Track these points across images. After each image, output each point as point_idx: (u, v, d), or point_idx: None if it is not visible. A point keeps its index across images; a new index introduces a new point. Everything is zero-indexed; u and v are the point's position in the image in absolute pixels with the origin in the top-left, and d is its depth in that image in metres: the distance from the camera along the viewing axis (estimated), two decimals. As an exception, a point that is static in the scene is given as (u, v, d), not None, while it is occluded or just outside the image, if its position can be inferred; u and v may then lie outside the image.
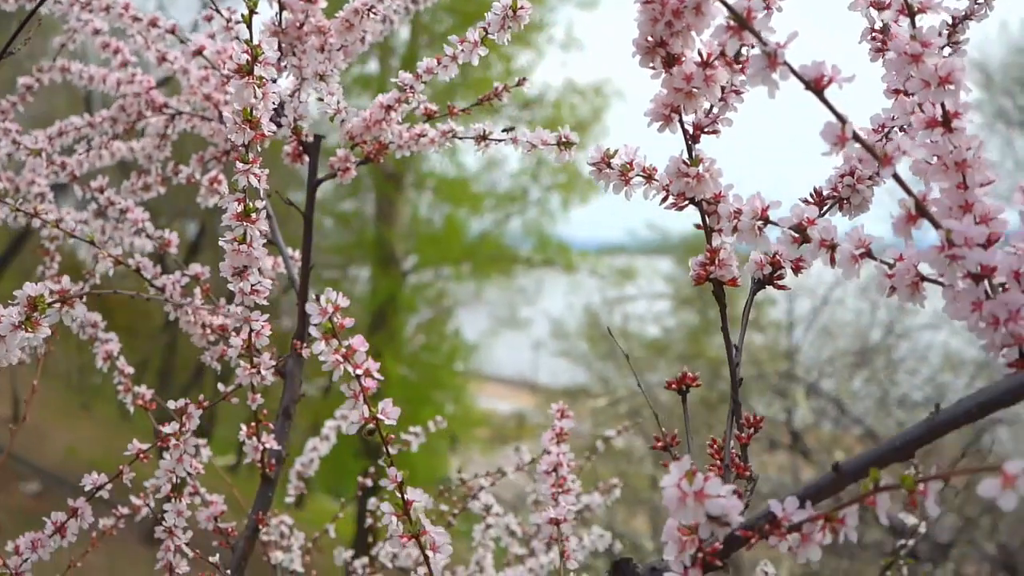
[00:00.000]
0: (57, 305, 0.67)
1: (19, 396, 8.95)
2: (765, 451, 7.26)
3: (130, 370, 1.11)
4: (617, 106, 11.26)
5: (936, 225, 0.51)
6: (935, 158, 0.55)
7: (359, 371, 0.62)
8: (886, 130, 0.68)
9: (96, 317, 1.14)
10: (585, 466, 1.81)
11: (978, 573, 5.96)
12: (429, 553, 0.65)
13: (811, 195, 0.69)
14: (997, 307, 0.50)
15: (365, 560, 1.39)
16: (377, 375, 0.63)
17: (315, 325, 0.61)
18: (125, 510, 1.13)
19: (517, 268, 12.38)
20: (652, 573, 0.58)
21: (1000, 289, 0.53)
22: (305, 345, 0.97)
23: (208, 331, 1.03)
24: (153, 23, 1.11)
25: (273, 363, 0.91)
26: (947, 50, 0.72)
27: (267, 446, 0.97)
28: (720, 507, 0.50)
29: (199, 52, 1.08)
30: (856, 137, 0.50)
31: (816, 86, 0.51)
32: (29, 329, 0.67)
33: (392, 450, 1.41)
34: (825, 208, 0.69)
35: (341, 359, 0.62)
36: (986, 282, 0.52)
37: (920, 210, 0.52)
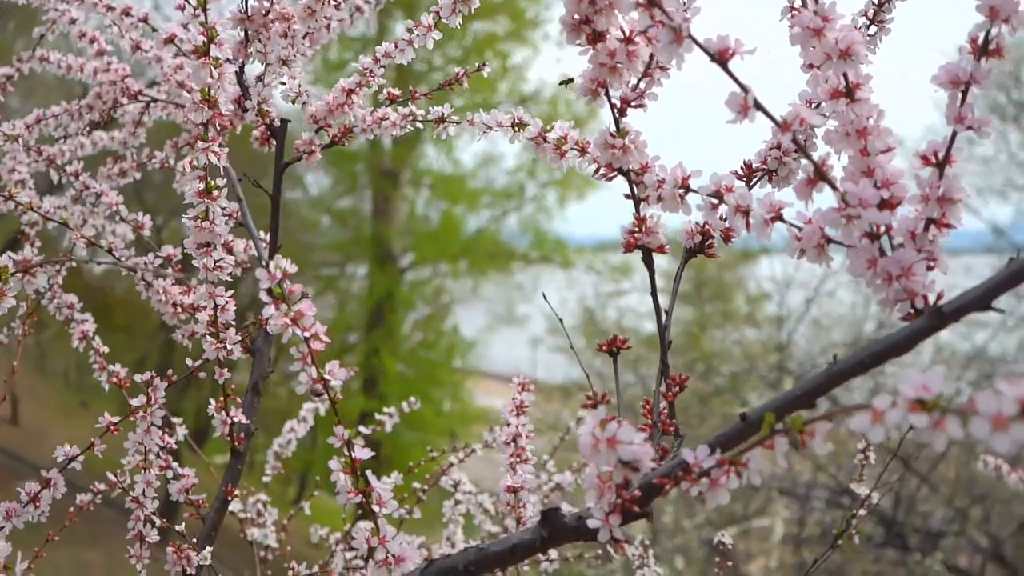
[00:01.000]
0: (19, 275, 0.70)
1: (18, 397, 8.98)
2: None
3: (105, 349, 1.14)
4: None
5: (834, 188, 0.55)
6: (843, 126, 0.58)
7: (307, 334, 0.66)
8: (812, 105, 0.72)
9: (72, 299, 1.17)
10: (560, 447, 1.84)
11: (970, 564, 6.01)
12: (375, 507, 0.68)
13: (741, 168, 0.72)
14: (891, 264, 0.54)
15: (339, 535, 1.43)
16: (325, 338, 0.66)
17: (264, 290, 0.64)
18: (102, 486, 1.16)
19: (514, 265, 12.44)
20: (578, 521, 0.61)
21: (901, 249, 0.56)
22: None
23: (179, 310, 1.06)
24: (126, 12, 1.14)
25: (239, 338, 0.94)
26: (872, 28, 0.76)
27: (235, 420, 1.00)
28: (631, 452, 0.53)
29: (170, 40, 1.11)
30: (757, 105, 0.54)
31: (721, 58, 0.54)
32: (-5, 298, 0.71)
33: (369, 434, 1.41)
34: (754, 180, 0.72)
35: (290, 322, 0.65)
36: (885, 241, 0.56)
37: (819, 174, 0.55)
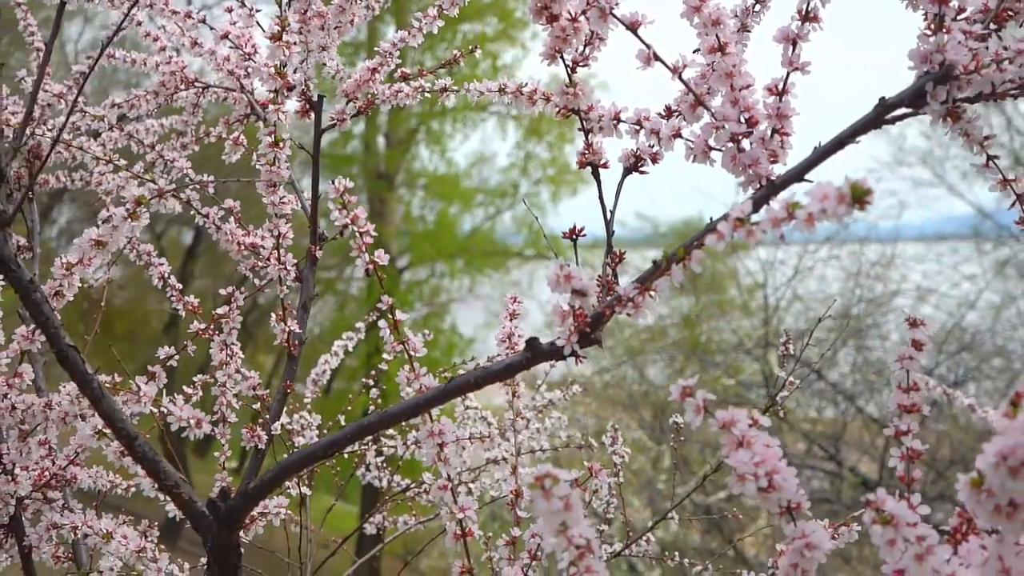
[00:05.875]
0: (156, 199, 0.99)
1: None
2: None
3: (179, 286, 1.42)
4: (603, 97, 11.61)
5: (708, 109, 0.84)
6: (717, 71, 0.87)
7: (362, 230, 0.94)
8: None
9: (150, 247, 1.46)
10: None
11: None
12: (412, 352, 0.97)
13: (664, 108, 1.01)
14: (745, 158, 0.83)
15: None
16: (373, 233, 0.95)
17: (331, 200, 0.93)
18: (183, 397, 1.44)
19: (509, 262, 12.72)
20: (551, 345, 0.90)
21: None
22: (318, 249, 1.28)
23: (241, 248, 1.34)
24: (188, 15, 1.43)
25: (295, 261, 1.23)
26: (758, 6, 1.04)
27: (291, 329, 1.29)
28: (581, 283, 0.82)
29: (225, 36, 1.39)
30: (656, 57, 0.83)
31: (633, 27, 0.83)
32: (134, 219, 0.99)
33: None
34: (678, 118, 1.01)
35: (350, 222, 0.94)
36: (747, 144, 0.85)
37: (698, 101, 0.84)
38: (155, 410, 1.01)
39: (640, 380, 9.25)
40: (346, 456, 1.74)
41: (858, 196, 0.60)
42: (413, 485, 1.62)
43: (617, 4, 0.85)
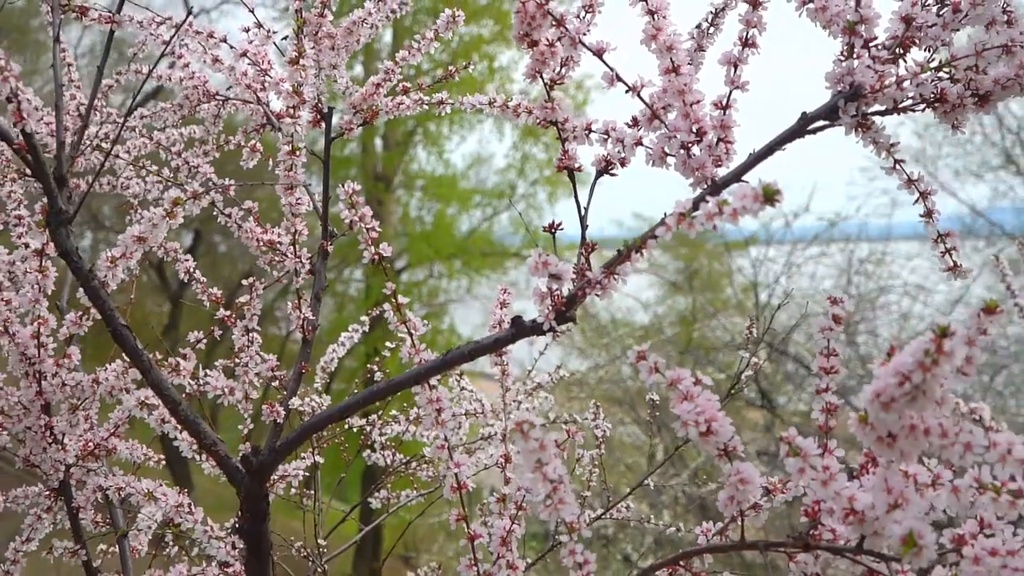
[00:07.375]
0: (191, 200, 1.14)
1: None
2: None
3: (204, 280, 1.58)
4: (599, 99, 11.82)
5: (661, 121, 0.99)
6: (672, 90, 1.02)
7: (368, 226, 1.10)
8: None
9: (176, 245, 1.61)
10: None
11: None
12: (413, 331, 1.12)
13: (631, 119, 1.17)
14: (694, 162, 0.98)
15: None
16: (378, 228, 1.10)
17: (341, 200, 1.09)
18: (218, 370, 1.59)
19: (507, 262, 12.89)
20: (533, 323, 1.05)
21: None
22: (330, 244, 1.44)
23: (260, 243, 1.50)
24: (211, 35, 1.58)
25: (310, 255, 1.38)
26: (712, 29, 1.20)
27: (306, 316, 1.44)
28: (557, 268, 0.97)
29: (244, 54, 1.55)
30: (618, 78, 0.98)
31: (598, 53, 0.99)
32: (171, 218, 1.14)
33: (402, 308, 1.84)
34: (639, 128, 1.17)
35: (357, 219, 1.09)
36: (694, 150, 1.00)
37: (654, 114, 1.00)
38: (191, 383, 1.17)
39: (635, 377, 9.40)
40: (354, 430, 1.90)
41: (769, 195, 0.75)
42: (414, 460, 1.77)
43: (587, 32, 1.01)
